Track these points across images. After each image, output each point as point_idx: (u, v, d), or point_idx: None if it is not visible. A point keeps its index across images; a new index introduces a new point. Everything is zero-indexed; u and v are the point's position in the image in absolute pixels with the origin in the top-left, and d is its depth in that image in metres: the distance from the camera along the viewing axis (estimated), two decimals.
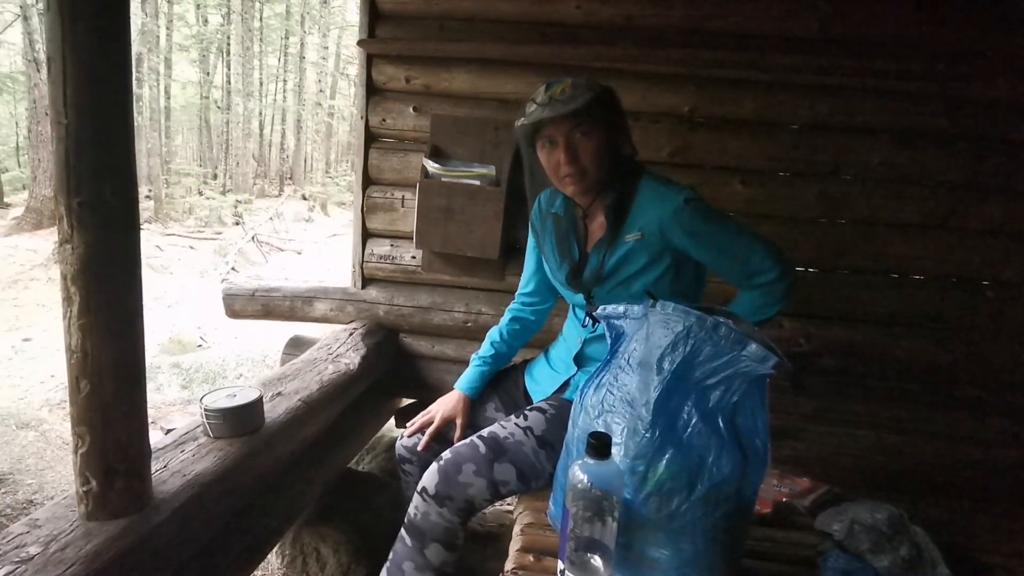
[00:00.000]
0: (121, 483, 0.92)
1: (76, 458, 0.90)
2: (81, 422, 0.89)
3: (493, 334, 1.39)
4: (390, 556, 1.15)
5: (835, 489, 1.17)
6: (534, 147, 1.16)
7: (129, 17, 0.85)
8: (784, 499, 1.14)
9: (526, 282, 1.40)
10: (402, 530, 1.14)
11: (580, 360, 1.24)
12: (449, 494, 1.09)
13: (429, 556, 1.10)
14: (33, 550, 0.84)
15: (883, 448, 1.67)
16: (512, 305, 1.43)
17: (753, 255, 1.09)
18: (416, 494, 1.12)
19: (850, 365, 1.85)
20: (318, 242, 9.33)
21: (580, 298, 1.22)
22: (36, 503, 1.86)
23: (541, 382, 1.30)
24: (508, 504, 1.97)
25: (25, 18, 7.88)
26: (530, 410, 1.19)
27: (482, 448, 1.12)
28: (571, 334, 1.29)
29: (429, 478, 1.11)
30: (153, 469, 1.01)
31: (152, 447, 1.02)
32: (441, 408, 1.31)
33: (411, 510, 1.12)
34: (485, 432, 1.16)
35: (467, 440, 1.16)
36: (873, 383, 1.84)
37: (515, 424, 1.16)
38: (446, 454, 1.13)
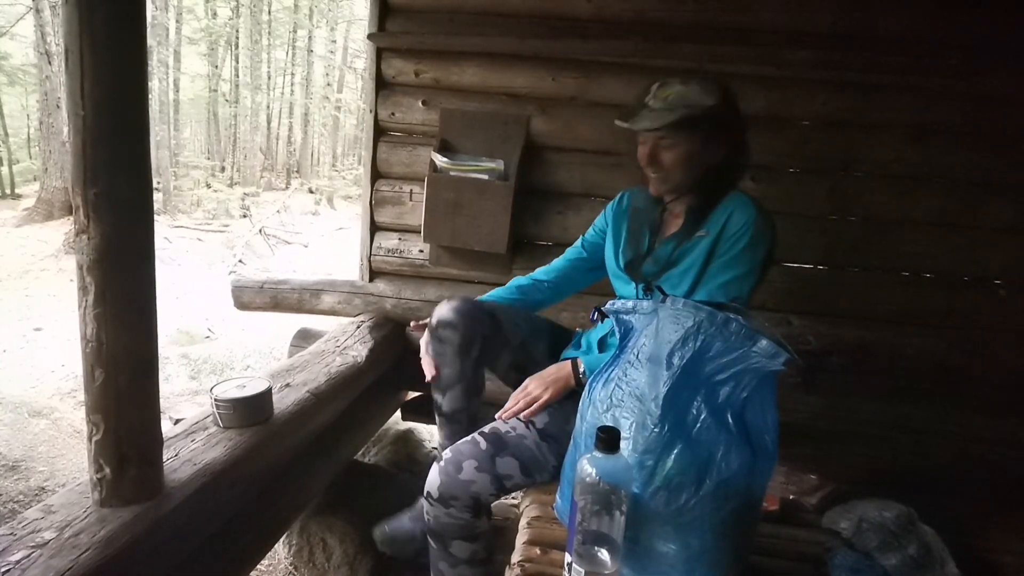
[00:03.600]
0: (134, 470, 0.93)
1: (90, 445, 0.92)
2: (96, 410, 0.90)
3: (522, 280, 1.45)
4: (430, 561, 1.18)
5: (843, 487, 1.17)
6: None
7: (145, 9, 0.86)
8: (792, 496, 1.14)
9: (553, 265, 1.46)
10: (427, 536, 1.16)
11: (602, 346, 1.27)
12: (453, 494, 1.09)
13: (455, 553, 1.12)
14: (48, 535, 0.86)
15: (892, 447, 1.67)
16: (524, 278, 1.46)
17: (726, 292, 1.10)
18: (423, 499, 1.13)
19: (859, 363, 1.84)
20: (324, 235, 9.34)
21: (631, 288, 1.24)
22: (48, 490, 1.89)
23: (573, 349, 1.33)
24: (513, 498, 1.98)
25: (37, 11, 7.92)
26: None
27: (483, 444, 1.13)
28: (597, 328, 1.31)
29: (432, 481, 1.12)
30: (164, 457, 1.02)
31: (163, 436, 1.03)
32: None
33: (424, 515, 1.14)
34: (486, 428, 1.18)
35: (468, 437, 1.17)
36: (883, 382, 1.83)
37: (517, 419, 1.18)
38: (446, 454, 1.14)
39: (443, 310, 1.24)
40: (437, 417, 1.32)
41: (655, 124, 1.10)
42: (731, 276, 1.11)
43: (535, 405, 1.18)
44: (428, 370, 1.28)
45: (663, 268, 1.18)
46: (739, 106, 1.18)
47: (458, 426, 1.29)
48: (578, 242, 1.46)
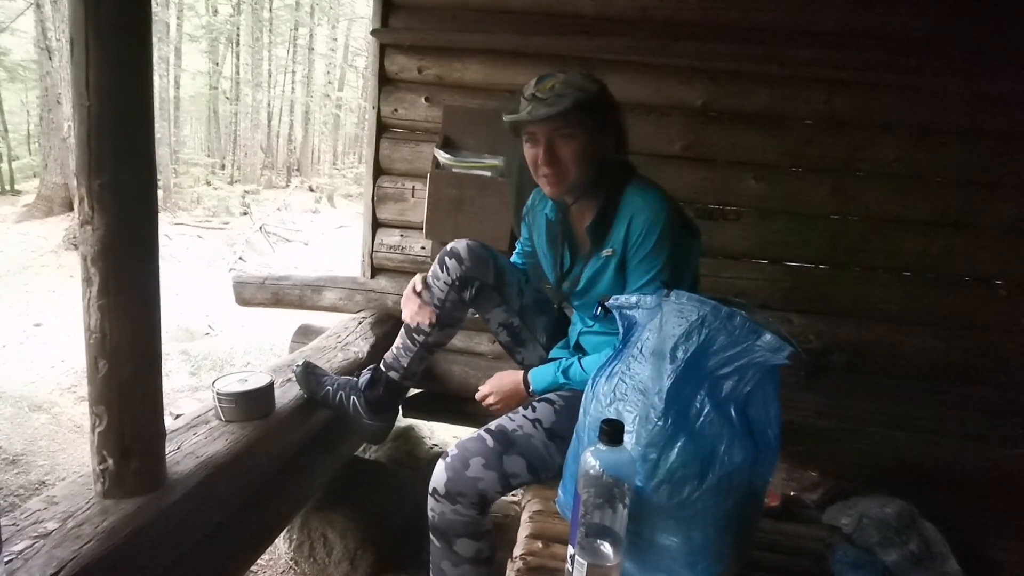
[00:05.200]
0: (137, 462, 0.93)
1: (93, 437, 0.92)
2: (99, 402, 0.90)
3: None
4: (430, 559, 1.16)
5: (844, 484, 1.17)
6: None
7: (151, 1, 0.86)
8: (793, 493, 1.15)
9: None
10: (430, 533, 1.14)
11: (578, 348, 1.28)
12: (460, 490, 1.08)
13: (460, 551, 1.11)
14: (50, 526, 0.86)
15: (892, 445, 1.67)
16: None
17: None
18: (429, 496, 1.12)
19: (860, 362, 1.84)
20: (325, 233, 9.34)
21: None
22: (48, 484, 1.89)
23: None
24: (514, 494, 1.98)
25: (37, 6, 7.89)
26: (539, 402, 1.20)
27: (490, 441, 1.12)
28: (573, 323, 1.32)
29: (438, 477, 1.11)
30: (167, 450, 1.03)
31: (166, 429, 1.03)
32: None
33: (429, 513, 1.12)
34: (493, 425, 1.16)
35: (474, 435, 1.16)
36: (883, 380, 1.83)
37: (523, 416, 1.16)
38: (452, 450, 1.13)
39: (459, 244, 1.29)
40: (402, 328, 1.38)
41: (555, 109, 1.05)
42: (645, 280, 1.09)
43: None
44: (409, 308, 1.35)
45: (583, 290, 1.20)
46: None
47: (411, 344, 1.36)
48: (518, 248, 1.45)
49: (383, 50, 1.94)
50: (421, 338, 1.34)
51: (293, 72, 16.42)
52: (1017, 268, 1.79)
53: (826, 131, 1.78)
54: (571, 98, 1.06)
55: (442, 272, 1.30)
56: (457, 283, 1.29)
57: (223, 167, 14.37)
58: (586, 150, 1.10)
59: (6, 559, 0.78)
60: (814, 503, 1.12)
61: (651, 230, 1.08)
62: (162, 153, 10.36)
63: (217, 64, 14.24)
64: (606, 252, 1.14)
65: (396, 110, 1.97)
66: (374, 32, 1.92)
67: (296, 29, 15.85)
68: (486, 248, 1.31)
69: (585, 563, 0.76)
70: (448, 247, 1.30)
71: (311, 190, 13.73)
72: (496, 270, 1.31)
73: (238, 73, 14.53)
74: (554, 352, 1.34)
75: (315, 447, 1.56)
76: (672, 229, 1.09)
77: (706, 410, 0.78)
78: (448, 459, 1.11)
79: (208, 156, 14.48)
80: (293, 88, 16.57)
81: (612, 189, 1.14)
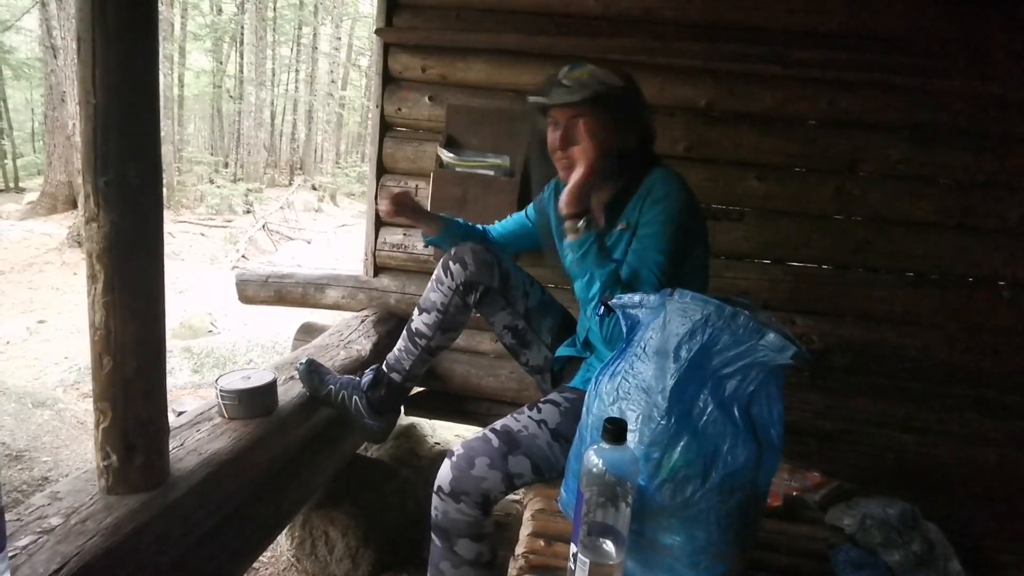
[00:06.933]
0: (140, 459, 0.94)
1: (97, 433, 0.92)
2: (103, 398, 0.91)
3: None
4: (429, 559, 1.16)
5: (845, 484, 1.17)
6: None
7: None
8: (795, 493, 1.14)
9: (503, 227, 1.50)
10: (431, 533, 1.14)
11: (587, 346, 1.27)
12: (464, 489, 1.08)
13: (460, 552, 1.11)
14: (54, 521, 0.86)
15: (895, 446, 1.67)
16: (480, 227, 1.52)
17: (646, 265, 1.08)
18: (433, 494, 1.12)
19: (863, 363, 1.84)
20: (327, 232, 9.35)
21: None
22: (51, 480, 1.90)
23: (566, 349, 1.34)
24: (516, 493, 1.98)
25: (43, 4, 7.92)
26: (543, 402, 1.20)
27: (495, 442, 1.12)
28: (581, 321, 1.32)
29: (443, 476, 1.11)
30: (170, 447, 1.03)
31: (169, 425, 1.04)
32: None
33: (432, 511, 1.12)
34: (498, 425, 1.16)
35: (479, 434, 1.16)
36: (886, 382, 1.83)
37: (528, 417, 1.16)
38: (457, 449, 1.13)
39: (464, 248, 1.30)
40: (404, 330, 1.39)
41: (572, 98, 1.10)
42: (648, 246, 1.09)
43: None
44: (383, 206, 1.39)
45: None
46: (644, 94, 1.19)
47: (413, 347, 1.36)
48: (527, 210, 1.47)
49: (387, 49, 1.94)
50: (423, 342, 1.35)
51: (296, 71, 16.47)
52: (1020, 269, 1.78)
53: (830, 132, 1.78)
54: (590, 90, 1.09)
55: (446, 277, 1.30)
56: (462, 288, 1.29)
57: (226, 165, 14.39)
58: (599, 142, 1.12)
59: (10, 554, 0.78)
60: (816, 503, 1.12)
61: (663, 201, 1.10)
62: (166, 151, 10.36)
63: (221, 63, 14.27)
64: (620, 226, 1.15)
65: (400, 109, 1.97)
66: (378, 31, 1.93)
67: (300, 28, 15.88)
68: (491, 252, 1.31)
69: (587, 561, 0.76)
70: (452, 251, 1.30)
71: (314, 188, 13.76)
72: (501, 274, 1.31)
73: (242, 72, 14.56)
74: (561, 351, 1.34)
75: (317, 445, 1.56)
76: (684, 210, 1.11)
77: (709, 409, 0.78)
78: (454, 458, 1.11)
79: (211, 154, 14.49)
80: (296, 87, 16.62)
81: (634, 174, 1.16)
